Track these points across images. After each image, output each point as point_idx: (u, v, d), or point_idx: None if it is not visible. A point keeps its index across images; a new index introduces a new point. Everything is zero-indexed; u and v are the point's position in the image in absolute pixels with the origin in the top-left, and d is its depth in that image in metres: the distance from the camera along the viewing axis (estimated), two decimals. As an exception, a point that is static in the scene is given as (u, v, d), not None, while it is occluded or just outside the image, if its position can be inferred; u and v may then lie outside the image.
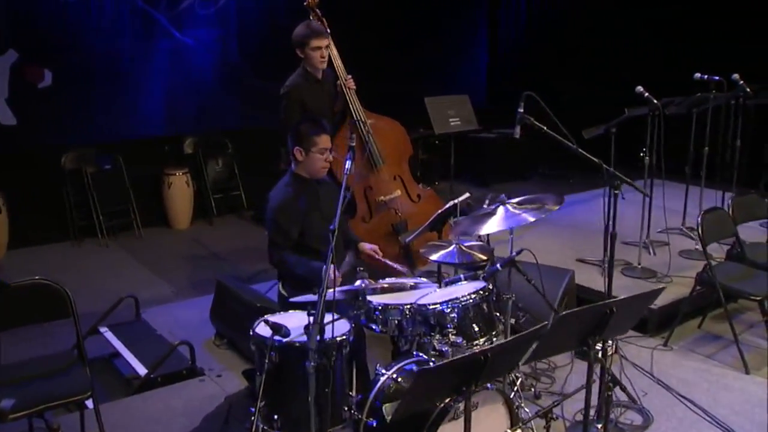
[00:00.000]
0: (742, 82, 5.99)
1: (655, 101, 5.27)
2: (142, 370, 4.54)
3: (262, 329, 3.36)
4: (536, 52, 10.96)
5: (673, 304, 5.03)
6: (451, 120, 6.28)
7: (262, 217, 8.06)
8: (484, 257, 3.85)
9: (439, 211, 4.33)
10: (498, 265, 3.43)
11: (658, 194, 5.84)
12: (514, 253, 3.42)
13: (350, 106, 4.99)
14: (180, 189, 7.80)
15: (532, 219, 3.57)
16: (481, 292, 3.39)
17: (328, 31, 4.86)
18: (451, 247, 3.94)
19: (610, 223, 3.63)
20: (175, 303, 5.78)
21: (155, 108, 7.97)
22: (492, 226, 3.69)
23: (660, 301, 5.01)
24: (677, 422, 3.98)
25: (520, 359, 2.98)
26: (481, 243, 3.95)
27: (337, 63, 4.96)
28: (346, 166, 3.05)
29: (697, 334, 5.06)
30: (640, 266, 5.54)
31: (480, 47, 11.30)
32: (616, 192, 3.55)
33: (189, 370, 4.54)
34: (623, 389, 3.97)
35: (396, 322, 3.50)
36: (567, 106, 9.65)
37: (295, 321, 3.33)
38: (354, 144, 3.08)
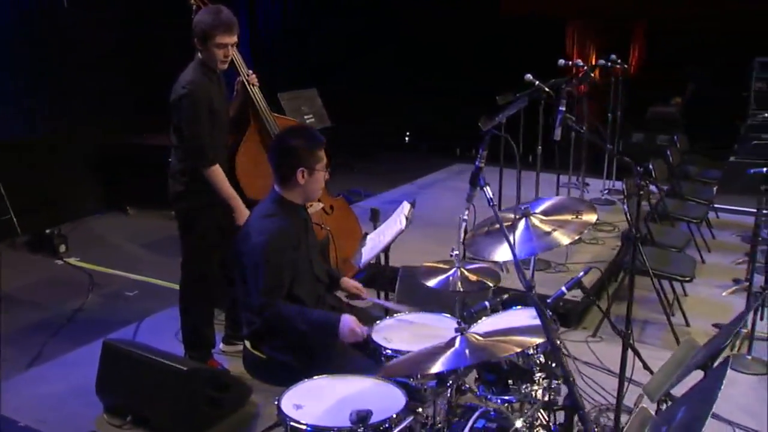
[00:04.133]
0: (585, 66, 6.16)
1: (547, 89, 5.13)
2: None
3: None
4: (298, 43, 10.61)
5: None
6: (305, 117, 5.65)
7: (44, 244, 6.74)
8: (492, 284, 3.38)
9: (400, 229, 3.78)
10: (564, 289, 2.97)
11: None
12: (581, 274, 2.99)
13: (257, 105, 4.12)
14: (-68, 220, 6.07)
15: (566, 241, 3.10)
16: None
17: None
18: (451, 271, 3.41)
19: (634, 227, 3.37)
20: (15, 377, 4.36)
21: None
22: (507, 249, 3.15)
23: (580, 293, 4.94)
24: (669, 418, 3.90)
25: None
26: (486, 265, 3.45)
27: (236, 56, 4.05)
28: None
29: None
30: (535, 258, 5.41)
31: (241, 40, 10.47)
32: (641, 193, 3.29)
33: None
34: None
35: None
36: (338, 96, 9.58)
37: (327, 395, 2.67)
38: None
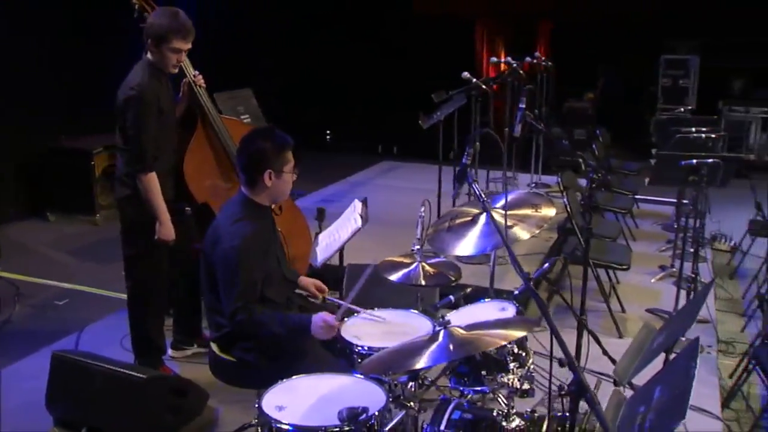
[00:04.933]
0: (514, 64, 6.33)
1: (484, 86, 5.25)
2: None
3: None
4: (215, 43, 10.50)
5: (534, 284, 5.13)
6: (242, 117, 5.60)
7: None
8: (454, 277, 3.46)
9: (357, 227, 3.80)
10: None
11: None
12: (546, 265, 3.09)
13: (204, 107, 4.06)
14: None
15: (526, 235, 3.19)
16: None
17: None
18: (412, 266, 3.47)
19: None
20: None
21: None
22: (470, 243, 3.24)
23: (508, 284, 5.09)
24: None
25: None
26: (446, 259, 3.52)
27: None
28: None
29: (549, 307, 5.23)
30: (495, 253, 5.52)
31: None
32: (593, 186, 3.43)
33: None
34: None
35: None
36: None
37: (308, 394, 2.69)
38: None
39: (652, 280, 5.73)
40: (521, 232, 3.21)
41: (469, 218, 3.32)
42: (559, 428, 2.74)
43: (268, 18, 10.54)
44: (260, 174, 3.05)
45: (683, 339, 4.64)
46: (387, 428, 2.38)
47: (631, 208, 6.37)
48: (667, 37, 10.18)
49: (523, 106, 3.28)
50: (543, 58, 7.07)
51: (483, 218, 3.31)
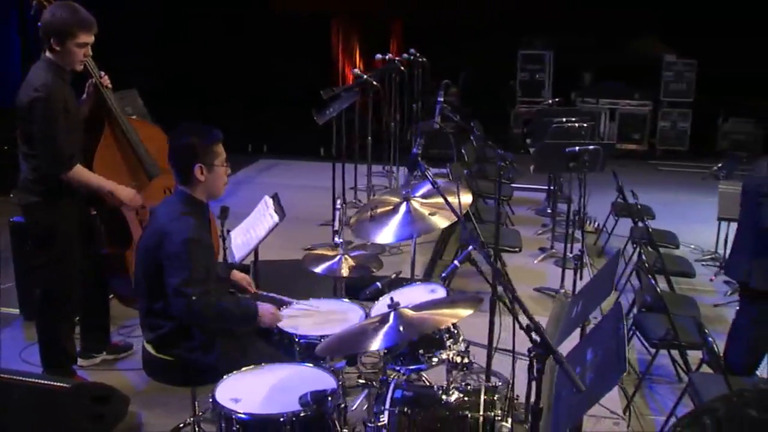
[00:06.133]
0: (397, 59, 6.55)
1: (375, 83, 5.41)
2: None
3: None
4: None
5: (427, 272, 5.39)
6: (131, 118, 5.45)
7: None
8: (376, 268, 3.62)
9: (275, 222, 3.87)
10: (456, 263, 3.25)
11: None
12: (470, 248, 3.27)
13: (112, 108, 3.96)
14: None
15: (444, 223, 3.39)
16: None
17: None
18: (335, 258, 3.60)
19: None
20: None
21: None
22: (390, 232, 3.41)
23: (419, 271, 5.31)
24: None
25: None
26: (365, 251, 3.67)
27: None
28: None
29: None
30: (369, 243, 5.69)
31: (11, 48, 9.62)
32: (501, 173, 3.68)
33: None
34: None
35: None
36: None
37: (259, 385, 2.76)
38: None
39: (535, 261, 6.13)
40: (440, 220, 3.41)
41: (390, 207, 3.50)
42: (494, 397, 2.94)
43: (134, 16, 10.20)
44: (190, 169, 3.06)
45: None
46: (354, 407, 2.50)
47: (510, 195, 6.77)
48: (522, 33, 10.80)
49: (441, 99, 3.48)
50: (418, 54, 7.33)
51: (404, 207, 3.50)
